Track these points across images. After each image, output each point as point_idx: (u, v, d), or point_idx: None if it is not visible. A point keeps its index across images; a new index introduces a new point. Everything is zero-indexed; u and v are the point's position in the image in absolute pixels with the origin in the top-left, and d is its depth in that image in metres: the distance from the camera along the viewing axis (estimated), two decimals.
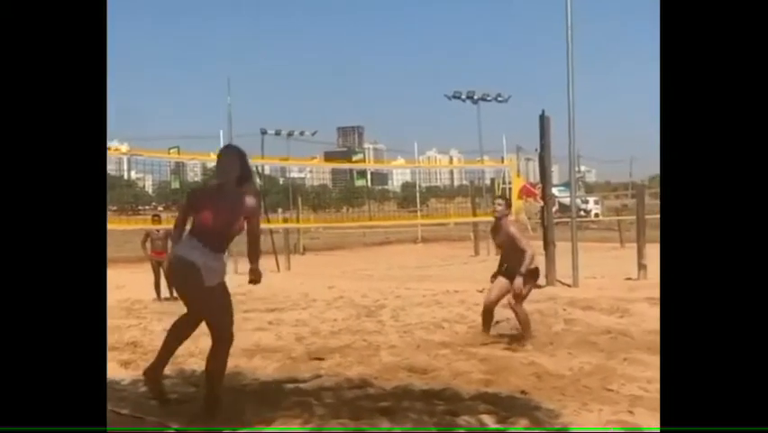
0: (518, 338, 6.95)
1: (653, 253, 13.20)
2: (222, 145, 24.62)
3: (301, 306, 10.39)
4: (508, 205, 7.51)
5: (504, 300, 7.15)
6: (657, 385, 5.09)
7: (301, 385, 5.44)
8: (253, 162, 24.02)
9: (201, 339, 7.56)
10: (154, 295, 11.81)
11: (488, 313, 7.29)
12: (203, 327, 7.72)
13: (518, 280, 6.86)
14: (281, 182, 50.72)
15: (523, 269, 6.85)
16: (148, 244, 12.21)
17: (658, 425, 4.12)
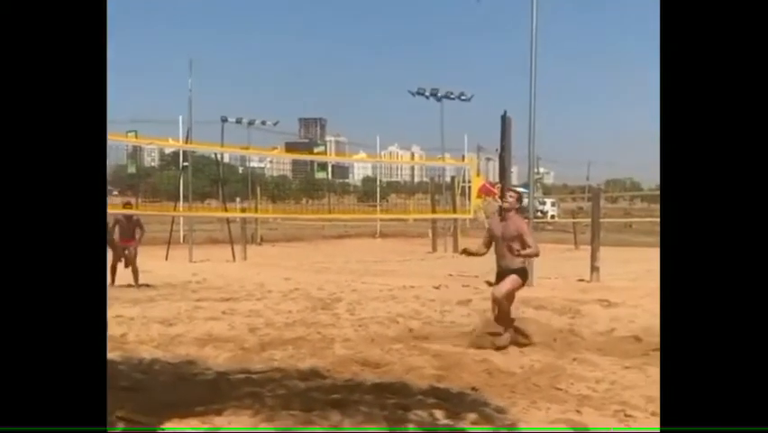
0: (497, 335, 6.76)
1: (607, 255, 13.45)
2: (181, 131, 24.18)
3: (256, 296, 10.32)
4: (519, 198, 7.33)
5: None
6: (605, 385, 5.21)
7: (253, 376, 5.41)
8: (213, 150, 23.81)
9: (152, 327, 7.49)
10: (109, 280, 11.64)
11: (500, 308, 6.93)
12: (155, 313, 7.63)
13: (514, 278, 6.74)
14: (240, 171, 50.16)
15: (529, 252, 6.75)
16: (117, 229, 11.98)
17: (604, 425, 4.24)
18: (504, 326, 6.83)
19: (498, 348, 6.50)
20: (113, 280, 11.43)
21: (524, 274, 6.98)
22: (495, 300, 6.91)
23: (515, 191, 7.64)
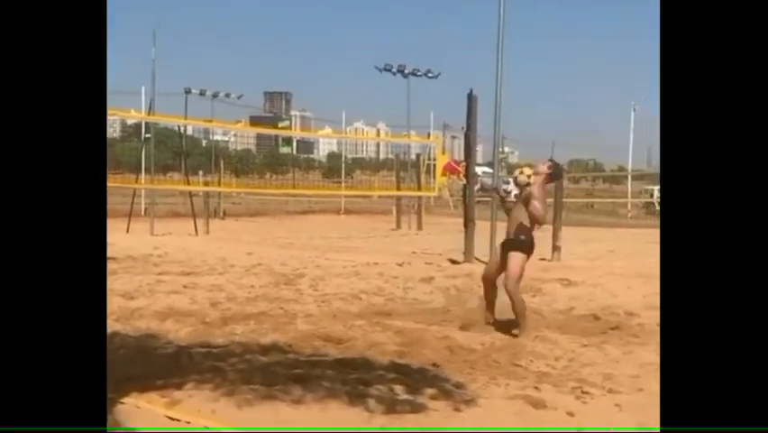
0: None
1: (568, 235, 13.63)
2: (144, 102, 23.72)
3: (218, 271, 10.25)
4: (552, 170, 6.64)
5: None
6: (563, 363, 5.31)
7: (214, 350, 5.39)
8: (176, 122, 23.41)
9: (113, 300, 7.40)
10: None
11: (488, 285, 6.65)
12: (116, 286, 7.57)
13: (516, 256, 6.24)
14: (204, 144, 49.62)
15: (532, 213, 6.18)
16: None
17: (562, 401, 4.32)
18: (519, 314, 6.30)
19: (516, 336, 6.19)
20: None
21: (526, 246, 6.34)
22: (485, 280, 6.68)
23: (551, 162, 6.86)
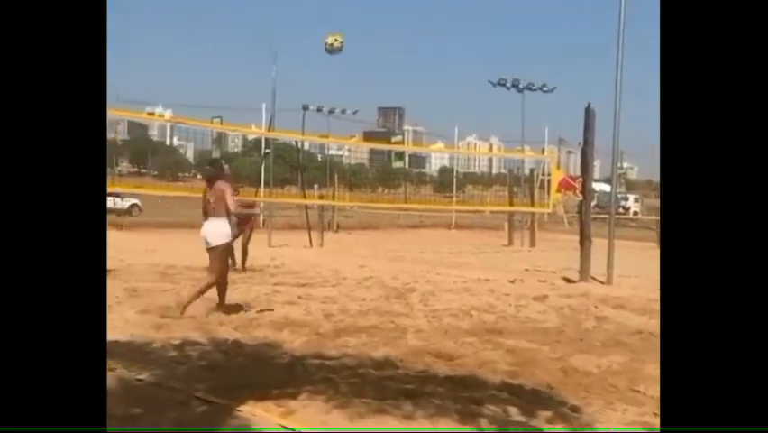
0: None
1: None
2: (264, 118, 24.63)
3: (331, 283, 10.46)
4: None
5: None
6: None
7: (327, 362, 5.49)
8: (294, 138, 24.17)
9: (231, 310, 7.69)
10: (187, 262, 11.95)
11: None
12: (235, 296, 7.85)
13: None
14: (320, 159, 50.95)
15: None
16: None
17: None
18: None
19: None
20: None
21: None
22: None
23: None
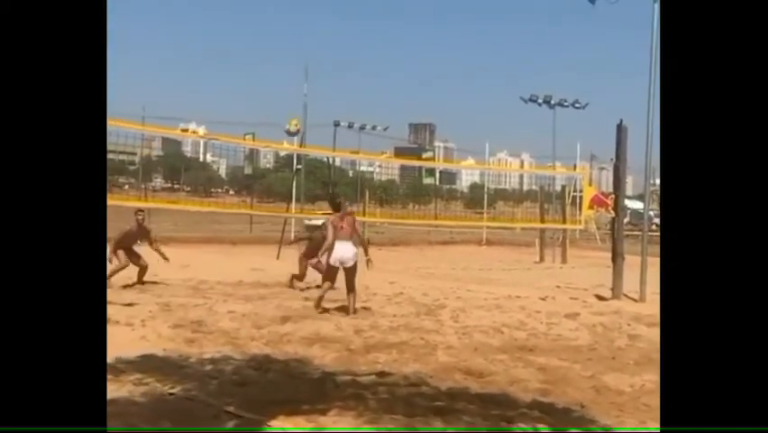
0: None
1: None
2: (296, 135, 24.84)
3: (362, 299, 10.46)
4: None
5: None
6: None
7: (358, 378, 5.50)
8: (325, 154, 24.35)
9: (263, 324, 7.75)
10: (219, 278, 12.02)
11: None
12: (267, 311, 7.90)
13: None
14: (350, 175, 51.20)
15: None
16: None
17: None
18: None
19: None
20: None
21: None
22: None
23: None
